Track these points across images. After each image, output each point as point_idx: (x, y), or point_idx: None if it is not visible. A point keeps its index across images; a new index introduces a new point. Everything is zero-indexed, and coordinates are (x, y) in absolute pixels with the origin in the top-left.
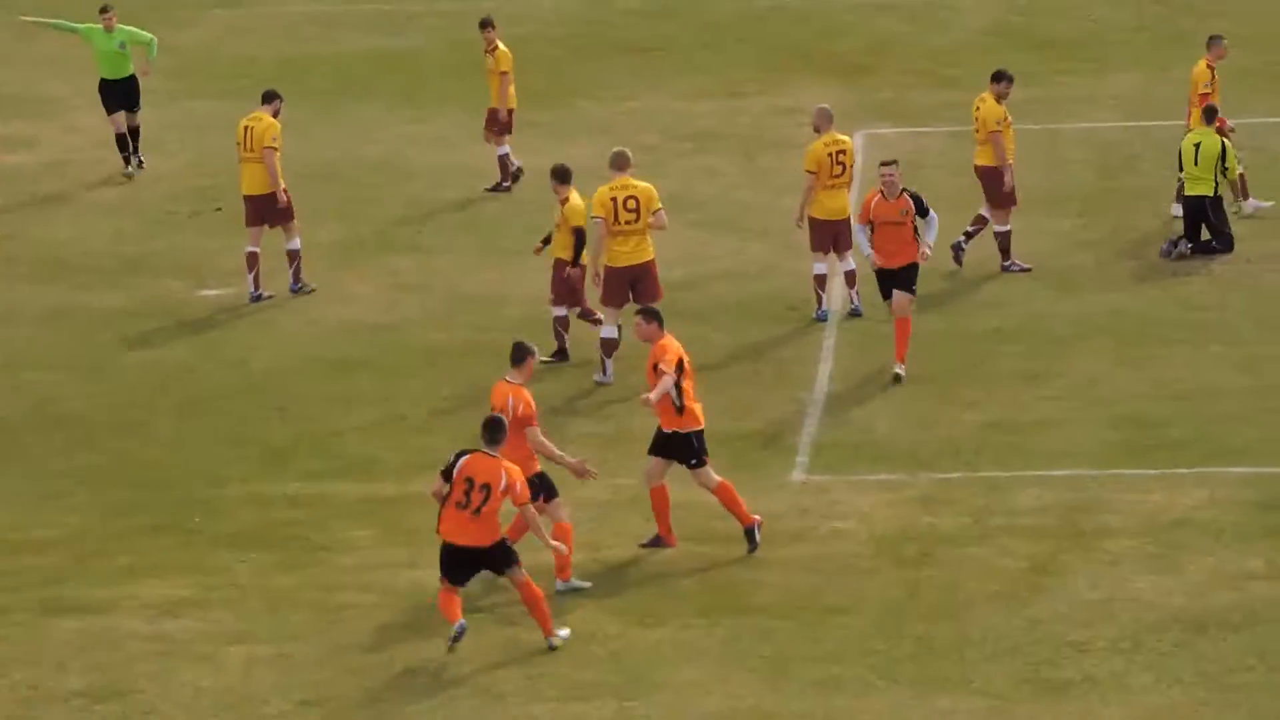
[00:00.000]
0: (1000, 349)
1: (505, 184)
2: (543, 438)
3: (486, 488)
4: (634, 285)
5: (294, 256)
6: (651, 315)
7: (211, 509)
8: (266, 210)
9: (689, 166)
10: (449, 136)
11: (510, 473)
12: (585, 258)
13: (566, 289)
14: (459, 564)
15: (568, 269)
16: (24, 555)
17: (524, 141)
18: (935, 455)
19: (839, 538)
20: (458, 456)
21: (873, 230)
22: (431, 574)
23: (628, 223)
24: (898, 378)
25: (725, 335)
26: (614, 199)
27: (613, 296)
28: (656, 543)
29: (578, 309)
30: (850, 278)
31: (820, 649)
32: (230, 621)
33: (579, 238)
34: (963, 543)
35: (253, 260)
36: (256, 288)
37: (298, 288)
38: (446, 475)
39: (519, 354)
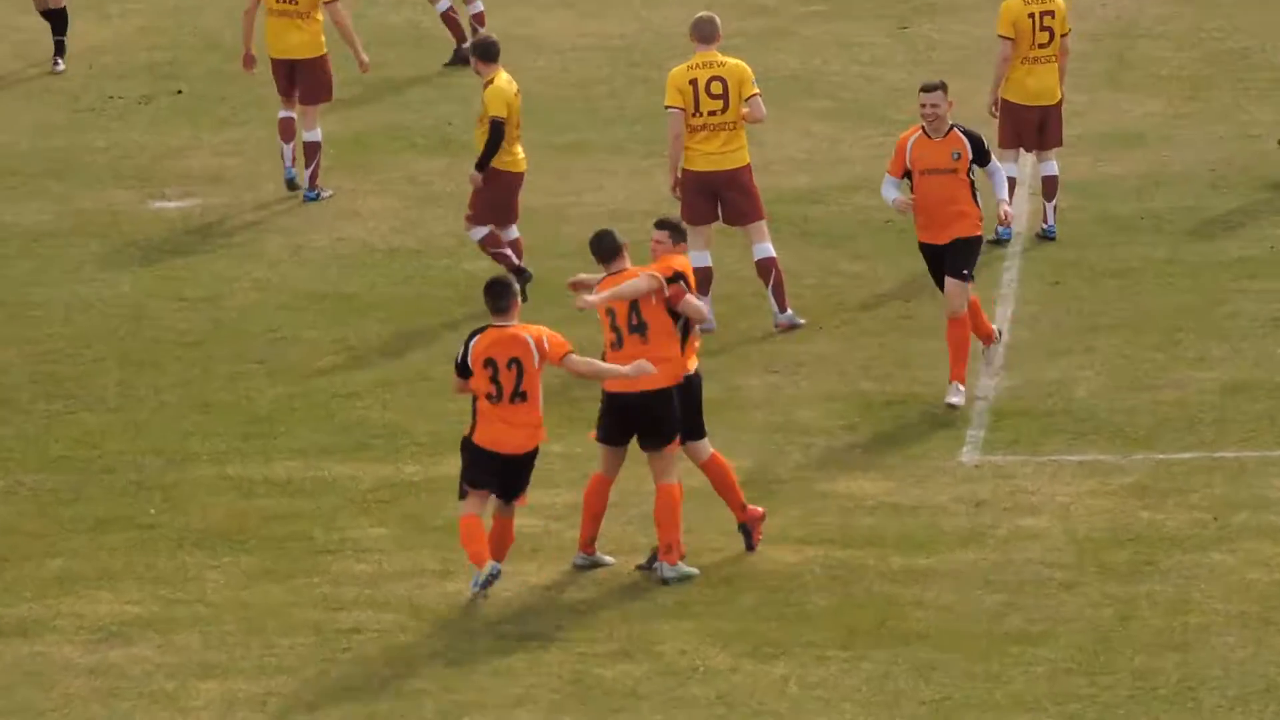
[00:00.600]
0: (1245, 286)
1: (464, 46)
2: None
3: (516, 363)
4: (721, 197)
5: (315, 151)
6: (680, 234)
7: (173, 497)
8: (307, 81)
9: (819, 36)
10: None
11: (535, 333)
12: (503, 162)
13: (485, 202)
14: (492, 471)
15: (471, 174)
16: None
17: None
18: (1157, 428)
19: (1026, 539)
20: (466, 343)
21: (911, 185)
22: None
23: (712, 113)
24: (952, 407)
25: (866, 265)
26: (694, 81)
27: (695, 211)
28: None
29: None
30: (1051, 186)
31: (1002, 691)
32: (199, 649)
33: (493, 134)
34: (1195, 547)
35: (288, 128)
36: (292, 161)
37: (315, 194)
38: (463, 370)
39: (605, 245)
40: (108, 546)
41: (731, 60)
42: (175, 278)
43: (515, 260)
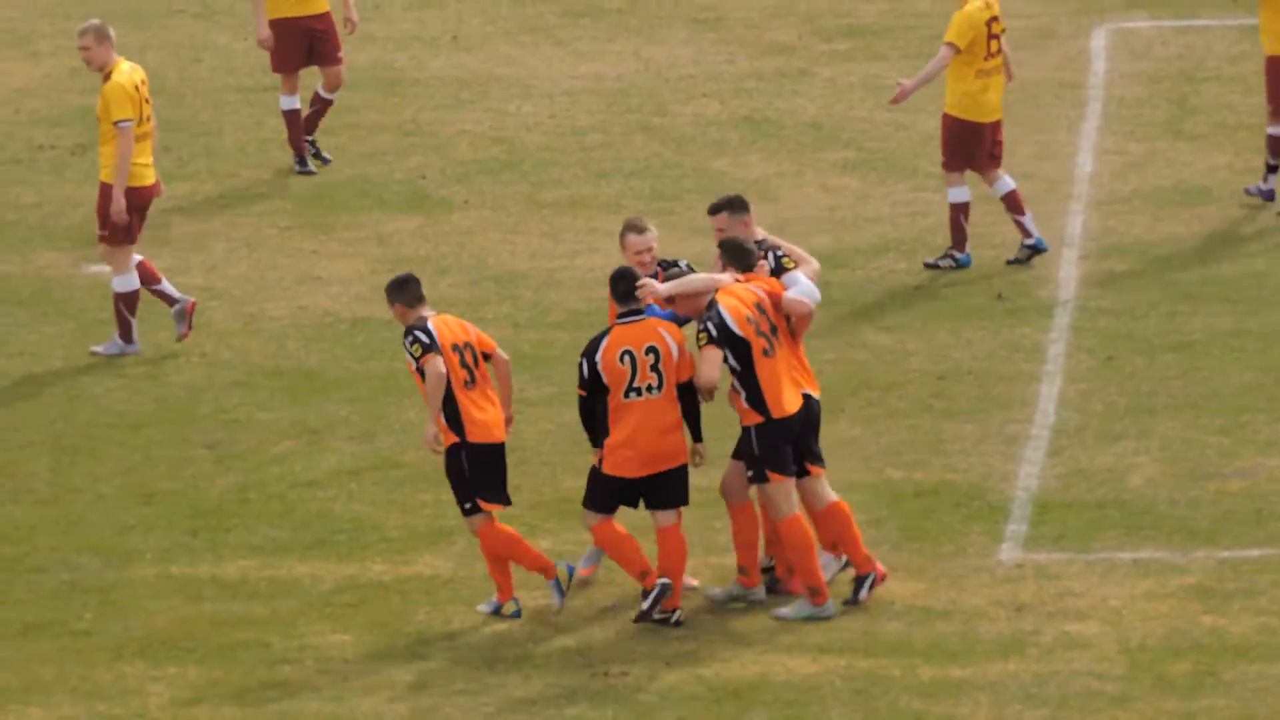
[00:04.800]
0: None
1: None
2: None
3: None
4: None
5: (322, 112)
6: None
7: (111, 600)
8: (319, 38)
9: (841, 78)
10: (470, 33)
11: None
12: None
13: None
14: (498, 466)
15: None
16: None
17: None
18: (1222, 522)
19: (1073, 648)
20: (425, 331)
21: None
22: (451, 699)
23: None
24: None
25: (895, 337)
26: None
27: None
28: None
29: None
30: (1013, 201)
31: None
32: None
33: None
34: (1264, 656)
35: (295, 120)
36: (303, 160)
37: (320, 159)
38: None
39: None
40: (37, 655)
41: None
42: None
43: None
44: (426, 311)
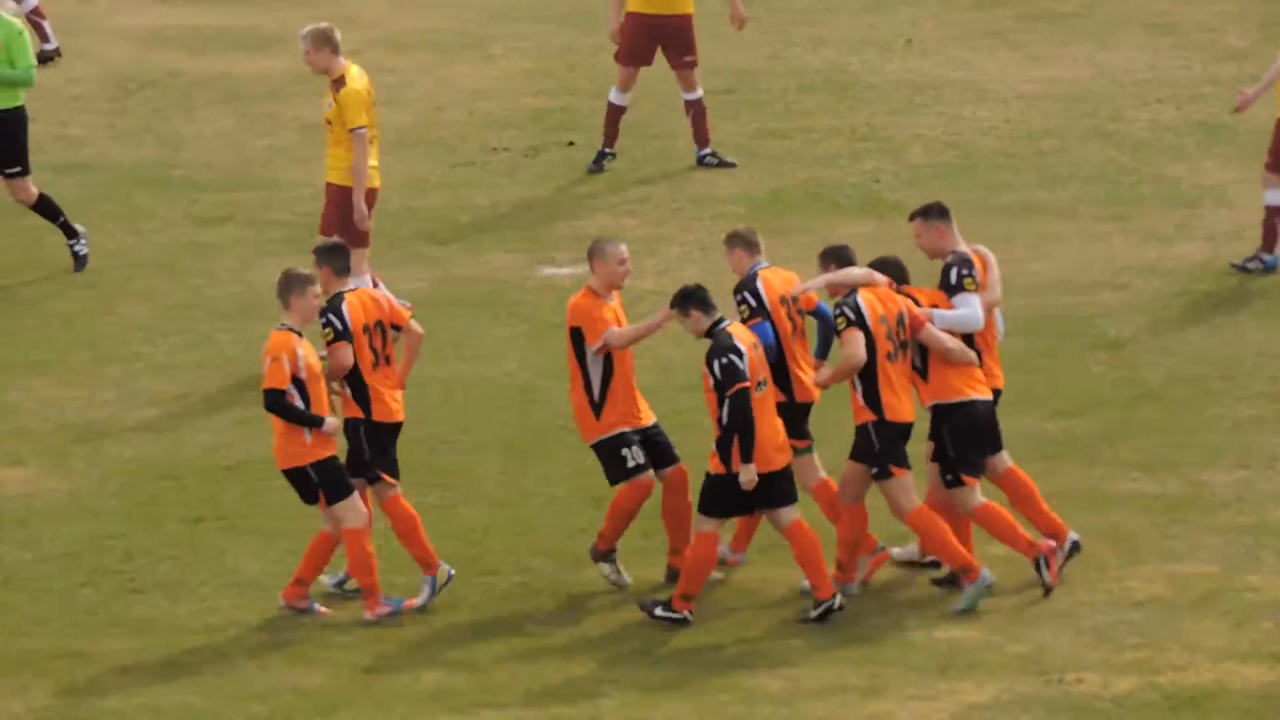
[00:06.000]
0: None
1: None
2: None
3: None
4: None
5: (703, 115)
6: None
7: (562, 602)
8: (672, 38)
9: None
10: (923, 37)
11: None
12: None
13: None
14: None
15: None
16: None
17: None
18: None
19: None
20: (339, 315)
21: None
22: (906, 704)
23: None
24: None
25: None
26: None
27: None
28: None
29: None
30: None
31: None
32: None
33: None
34: None
35: (615, 116)
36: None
37: (708, 154)
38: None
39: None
40: (489, 656)
41: None
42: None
43: None
44: (350, 284)
